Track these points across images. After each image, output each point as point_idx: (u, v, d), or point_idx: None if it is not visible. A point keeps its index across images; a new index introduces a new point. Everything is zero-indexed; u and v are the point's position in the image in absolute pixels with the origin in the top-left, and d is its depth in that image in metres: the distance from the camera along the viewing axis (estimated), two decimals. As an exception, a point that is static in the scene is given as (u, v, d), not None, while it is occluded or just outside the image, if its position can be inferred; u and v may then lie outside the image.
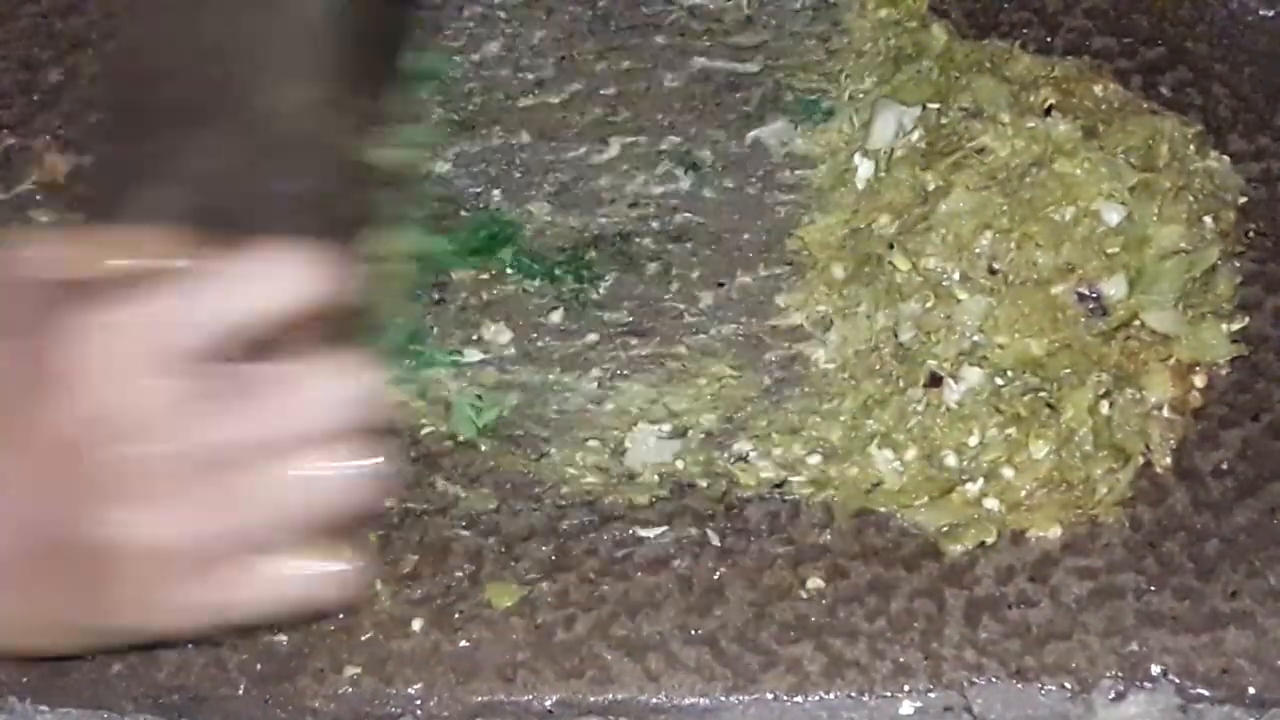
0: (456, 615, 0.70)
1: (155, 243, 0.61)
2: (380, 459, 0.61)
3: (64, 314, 0.59)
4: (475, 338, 0.78)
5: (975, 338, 0.73)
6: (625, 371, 0.77)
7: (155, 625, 0.63)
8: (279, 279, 0.60)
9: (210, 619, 0.63)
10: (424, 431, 0.76)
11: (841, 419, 0.75)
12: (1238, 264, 0.78)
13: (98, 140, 0.66)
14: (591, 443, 0.75)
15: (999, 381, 0.73)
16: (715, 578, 0.71)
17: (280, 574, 0.62)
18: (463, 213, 0.82)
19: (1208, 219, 0.77)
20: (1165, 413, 0.74)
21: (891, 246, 0.76)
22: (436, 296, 0.79)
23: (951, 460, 0.73)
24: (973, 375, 0.73)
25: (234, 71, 0.66)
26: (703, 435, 0.75)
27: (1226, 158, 0.80)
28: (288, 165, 0.66)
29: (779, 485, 0.74)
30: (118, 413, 0.58)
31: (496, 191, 0.82)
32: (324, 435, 0.60)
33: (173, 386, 0.59)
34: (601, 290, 0.80)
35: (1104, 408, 0.73)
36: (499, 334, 0.78)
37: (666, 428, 0.75)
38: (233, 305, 0.60)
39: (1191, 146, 0.79)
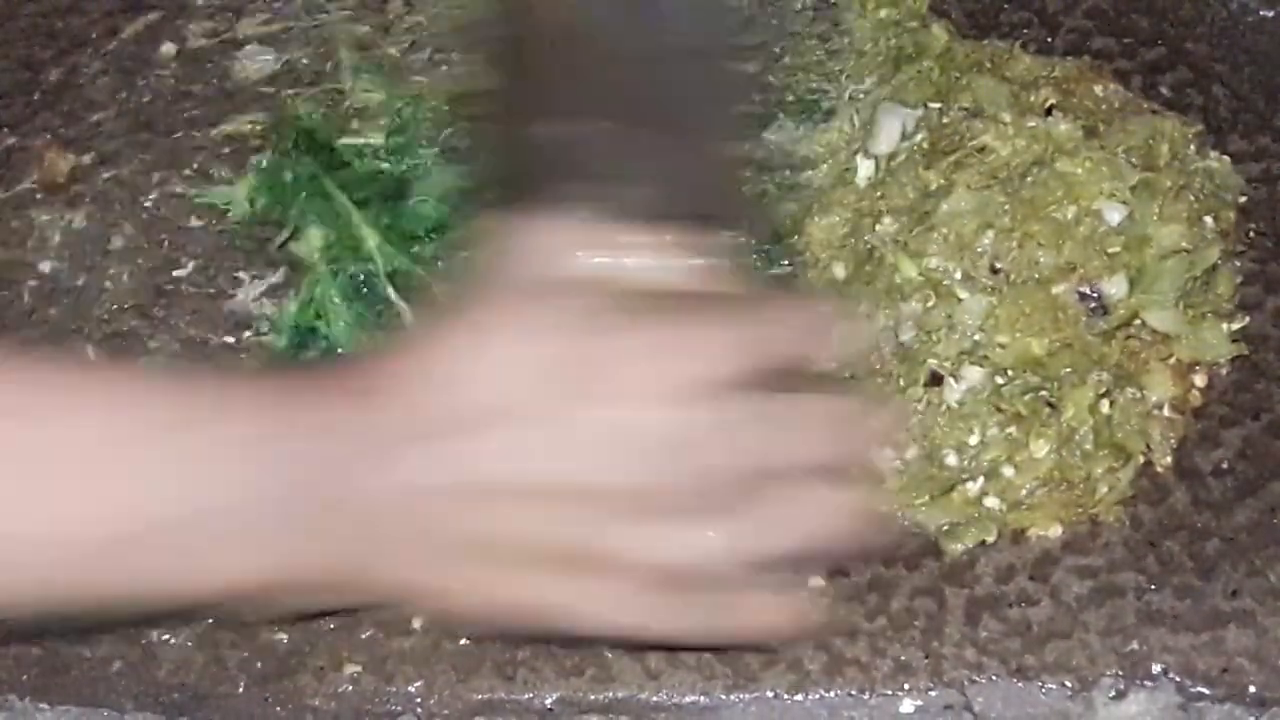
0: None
1: (668, 248, 0.63)
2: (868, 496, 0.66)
3: (611, 322, 0.61)
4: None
5: (976, 337, 0.73)
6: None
7: (619, 627, 0.64)
8: (808, 328, 0.63)
9: (676, 634, 0.65)
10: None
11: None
12: (1238, 264, 0.78)
13: (518, 118, 0.67)
14: (592, 442, 0.75)
15: (999, 381, 0.73)
16: (716, 576, 0.71)
17: (755, 604, 0.64)
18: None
19: (1208, 219, 0.77)
20: (1165, 412, 0.74)
21: (892, 246, 0.76)
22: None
23: (952, 459, 0.73)
24: (973, 374, 0.73)
25: (680, 74, 0.68)
26: (703, 434, 0.75)
27: (1226, 158, 0.80)
28: (718, 181, 0.69)
29: (779, 484, 0.74)
30: (652, 431, 0.60)
31: (497, 190, 0.82)
32: (828, 468, 0.63)
33: (704, 411, 0.60)
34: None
35: (1104, 407, 0.73)
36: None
37: (667, 427, 0.75)
38: (772, 346, 0.62)
39: (1191, 146, 0.79)
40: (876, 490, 0.67)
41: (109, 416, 0.60)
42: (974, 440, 0.73)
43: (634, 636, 0.65)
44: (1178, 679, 0.68)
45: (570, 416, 0.60)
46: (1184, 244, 0.75)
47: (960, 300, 0.74)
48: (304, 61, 0.87)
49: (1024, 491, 0.72)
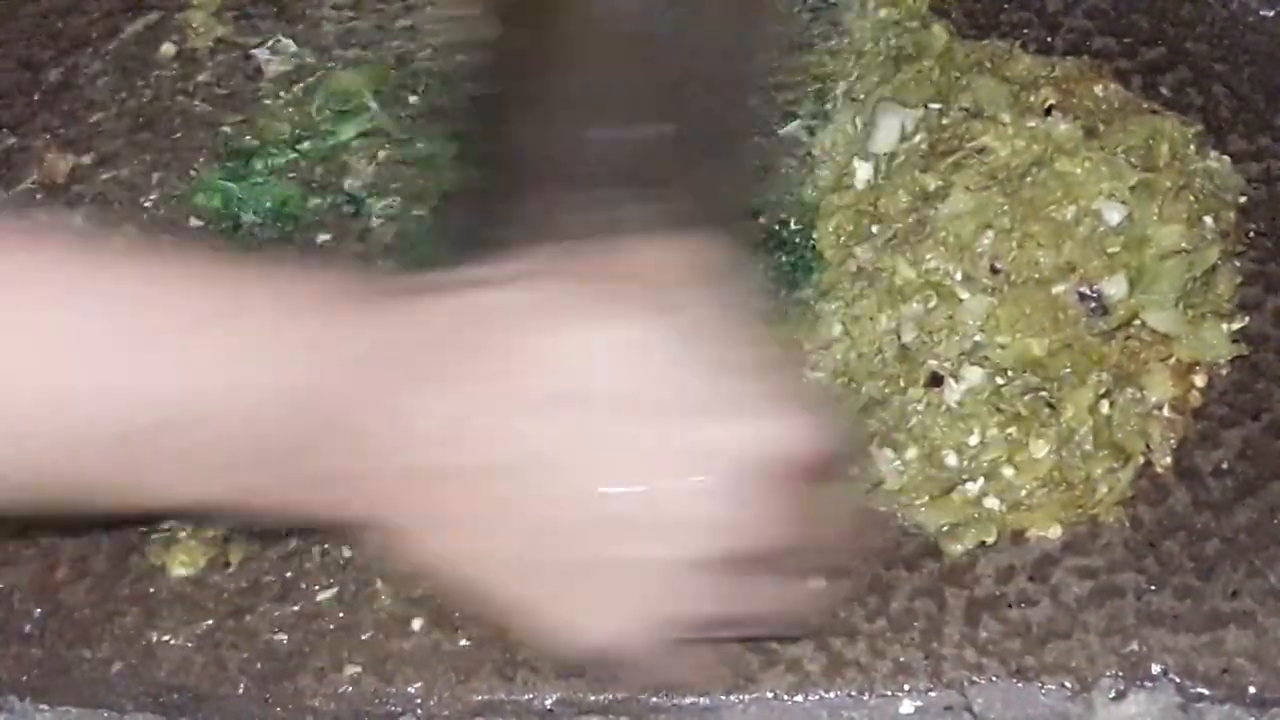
0: (456, 614, 0.70)
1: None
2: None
3: (705, 361, 0.60)
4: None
5: (977, 337, 0.73)
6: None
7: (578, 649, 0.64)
8: (815, 440, 0.61)
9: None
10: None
11: (842, 420, 0.74)
12: (1238, 264, 0.78)
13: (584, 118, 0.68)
14: (592, 442, 0.75)
15: (999, 381, 0.73)
16: (715, 577, 0.71)
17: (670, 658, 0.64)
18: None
19: (1208, 219, 0.77)
20: (1165, 412, 0.74)
21: (893, 247, 0.76)
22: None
23: (952, 460, 0.73)
24: (973, 375, 0.73)
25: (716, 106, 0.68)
26: (703, 435, 0.75)
27: (1226, 158, 0.80)
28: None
29: (779, 485, 0.73)
30: (713, 484, 0.59)
31: (497, 191, 0.82)
32: (805, 555, 0.63)
33: (758, 490, 0.60)
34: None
35: (1104, 407, 0.73)
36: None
37: (667, 427, 0.75)
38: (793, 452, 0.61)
39: (1191, 146, 0.79)
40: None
41: (117, 304, 0.58)
42: (974, 441, 0.73)
43: (568, 653, 0.65)
44: (1177, 679, 0.68)
45: (638, 431, 0.59)
46: (1184, 244, 0.75)
47: (961, 301, 0.74)
48: (309, 61, 0.87)
49: (1024, 492, 0.72)
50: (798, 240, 0.80)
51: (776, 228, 0.80)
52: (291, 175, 0.83)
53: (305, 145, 0.84)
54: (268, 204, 0.82)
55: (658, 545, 0.60)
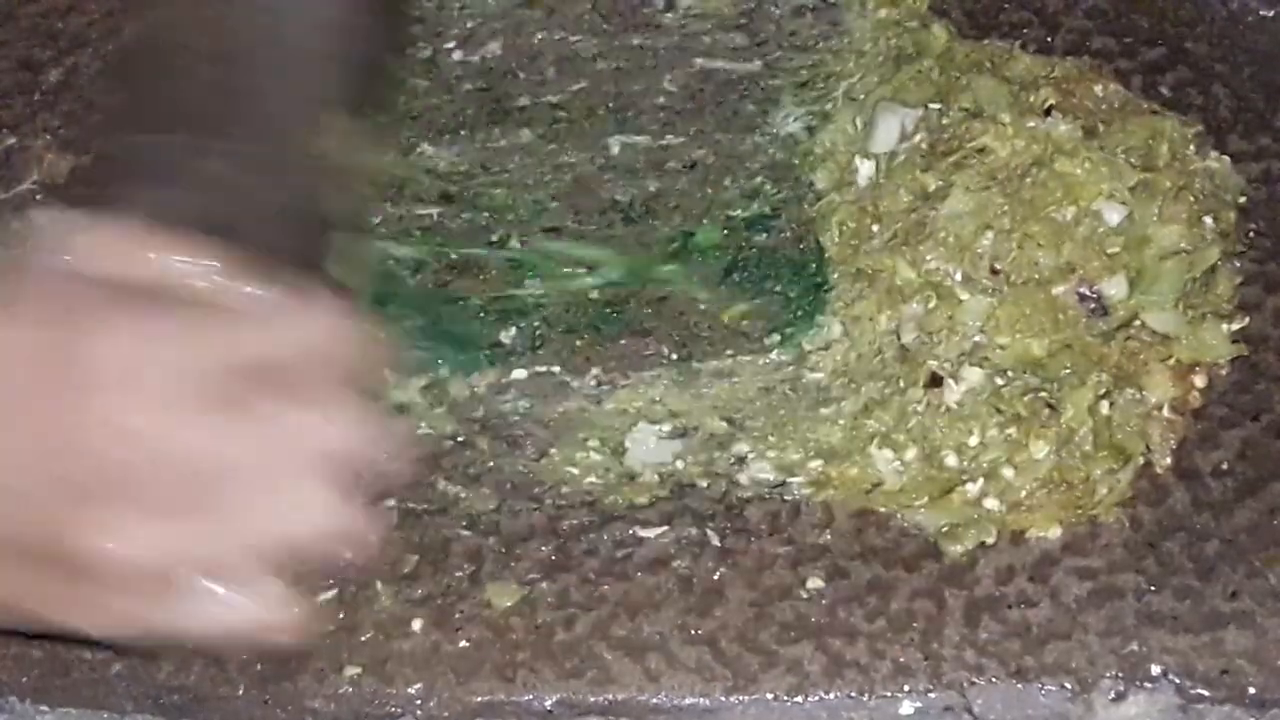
0: (456, 615, 0.71)
1: (188, 251, 0.62)
2: (365, 512, 0.62)
3: (98, 312, 0.60)
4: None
5: (977, 338, 0.73)
6: (625, 371, 0.77)
7: (100, 630, 0.62)
8: (312, 326, 0.62)
9: (152, 633, 0.62)
10: (423, 431, 0.76)
11: (842, 420, 0.75)
12: (1238, 264, 0.78)
13: (102, 132, 0.67)
14: (591, 443, 0.75)
15: (999, 382, 0.73)
16: (715, 578, 0.71)
17: (229, 605, 0.61)
18: (464, 214, 0.82)
19: (1208, 219, 0.77)
20: (1165, 413, 0.74)
21: (893, 247, 0.76)
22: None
23: (951, 460, 0.73)
24: (973, 375, 0.73)
25: (251, 80, 0.67)
26: (703, 435, 0.75)
27: (1226, 158, 0.80)
28: (295, 183, 0.67)
29: (779, 485, 0.74)
30: (129, 420, 0.59)
31: (499, 191, 0.83)
32: (320, 474, 0.61)
33: (187, 403, 0.60)
34: (602, 289, 0.79)
35: (1104, 408, 0.73)
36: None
37: (666, 428, 0.75)
38: (268, 345, 0.61)
39: (1191, 146, 0.79)
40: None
41: None
42: (974, 441, 0.73)
43: (108, 636, 0.63)
44: (1177, 680, 0.68)
45: (40, 403, 0.59)
46: (1184, 244, 0.75)
47: (961, 301, 0.74)
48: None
49: (1024, 493, 0.72)
50: (798, 240, 0.80)
51: (776, 228, 0.81)
52: None
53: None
54: None
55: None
